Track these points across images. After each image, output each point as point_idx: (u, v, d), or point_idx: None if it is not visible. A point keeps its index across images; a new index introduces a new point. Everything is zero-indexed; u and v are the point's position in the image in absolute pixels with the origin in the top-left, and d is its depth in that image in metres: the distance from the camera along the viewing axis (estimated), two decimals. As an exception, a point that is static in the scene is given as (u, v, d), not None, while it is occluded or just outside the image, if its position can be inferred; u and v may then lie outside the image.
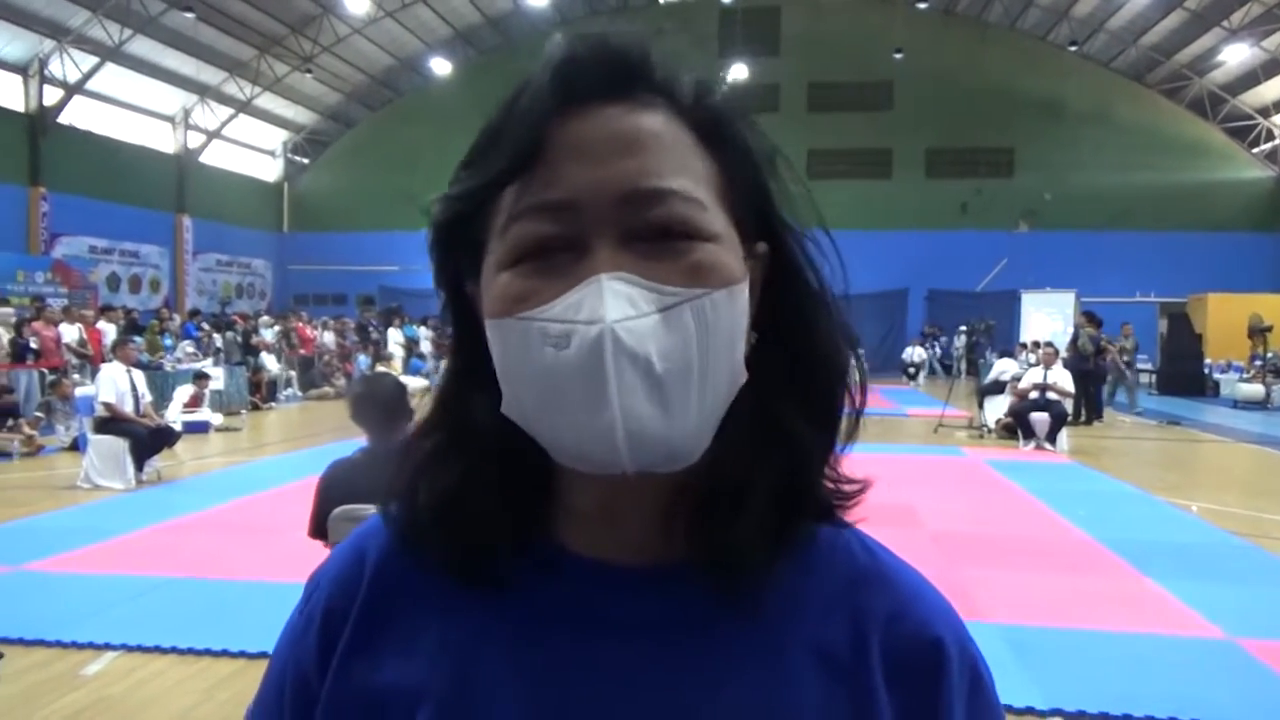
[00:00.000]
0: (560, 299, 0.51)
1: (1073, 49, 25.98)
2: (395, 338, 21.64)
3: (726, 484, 0.57)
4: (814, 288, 0.61)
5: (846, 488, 0.63)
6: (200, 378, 13.51)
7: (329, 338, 20.65)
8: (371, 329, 22.25)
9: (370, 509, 2.84)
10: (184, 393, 12.99)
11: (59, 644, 4.32)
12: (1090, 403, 14.80)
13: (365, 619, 0.62)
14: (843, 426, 0.62)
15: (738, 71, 26.72)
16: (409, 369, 19.73)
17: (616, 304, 0.50)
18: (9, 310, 13.41)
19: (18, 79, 20.30)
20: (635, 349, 0.50)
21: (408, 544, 0.62)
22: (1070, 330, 18.40)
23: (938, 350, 25.54)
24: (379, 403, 3.27)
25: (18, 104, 20.36)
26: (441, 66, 27.74)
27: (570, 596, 0.59)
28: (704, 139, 0.57)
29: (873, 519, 0.66)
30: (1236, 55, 23.43)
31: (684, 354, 0.51)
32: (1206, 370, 21.02)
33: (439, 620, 0.60)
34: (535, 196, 0.53)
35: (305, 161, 30.28)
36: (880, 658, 0.58)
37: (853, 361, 0.62)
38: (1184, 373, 20.58)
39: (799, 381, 0.60)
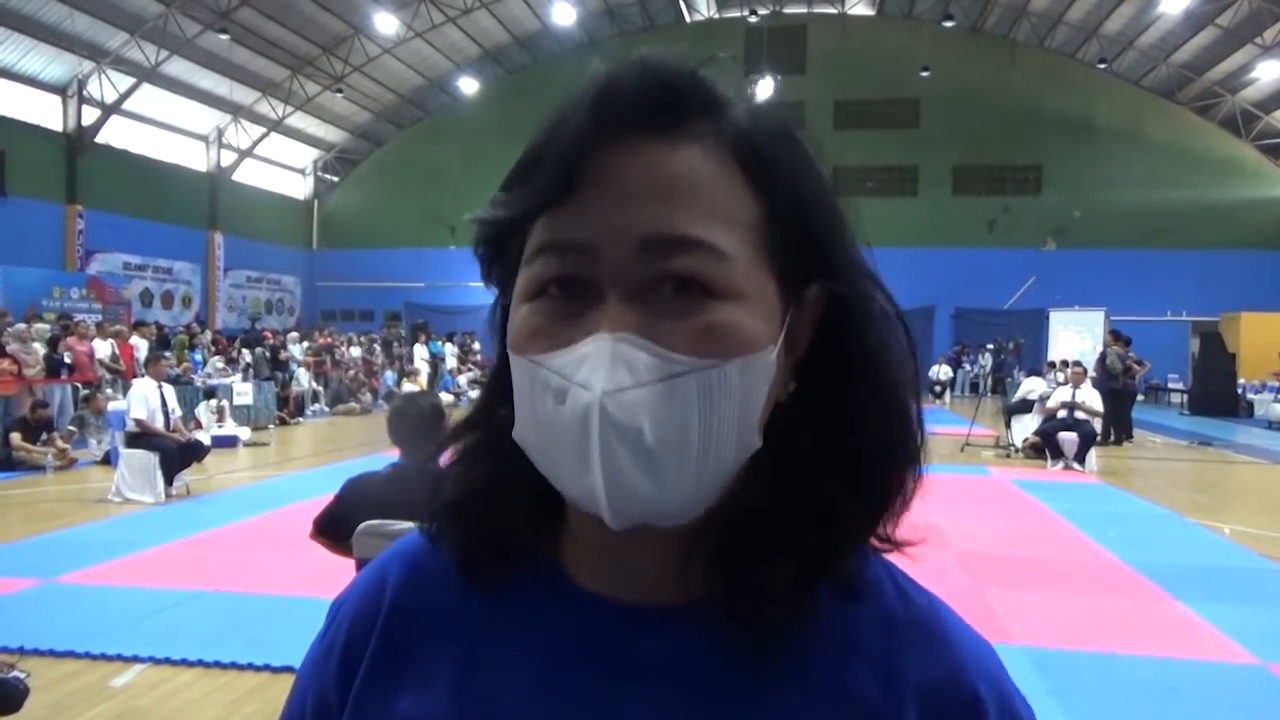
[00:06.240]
0: (565, 351, 0.50)
1: (1102, 66, 25.81)
2: (420, 354, 21.81)
3: (752, 538, 0.55)
4: (871, 354, 0.56)
5: (884, 547, 0.59)
6: (209, 395, 13.92)
7: (355, 353, 20.87)
8: (396, 345, 22.46)
9: (398, 525, 2.87)
10: (204, 410, 13.39)
11: (89, 656, 4.38)
12: (1119, 422, 14.61)
13: (383, 649, 0.61)
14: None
15: (764, 90, 26.73)
16: (440, 385, 19.88)
17: (614, 371, 0.48)
18: (45, 326, 13.63)
19: (57, 99, 20.74)
20: (624, 421, 0.48)
21: (431, 539, 0.62)
22: (1099, 349, 18.20)
23: (972, 369, 25.23)
24: (414, 420, 3.32)
25: (56, 124, 20.79)
26: (469, 86, 28.05)
27: (584, 636, 0.58)
28: (752, 176, 0.53)
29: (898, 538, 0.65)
30: (1269, 72, 23.16)
31: (683, 426, 0.49)
32: (1240, 390, 20.69)
33: (456, 653, 0.59)
34: (556, 235, 0.51)
35: (334, 179, 30.65)
36: (915, 710, 0.55)
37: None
38: (1216, 393, 20.26)
39: (846, 459, 0.56)
